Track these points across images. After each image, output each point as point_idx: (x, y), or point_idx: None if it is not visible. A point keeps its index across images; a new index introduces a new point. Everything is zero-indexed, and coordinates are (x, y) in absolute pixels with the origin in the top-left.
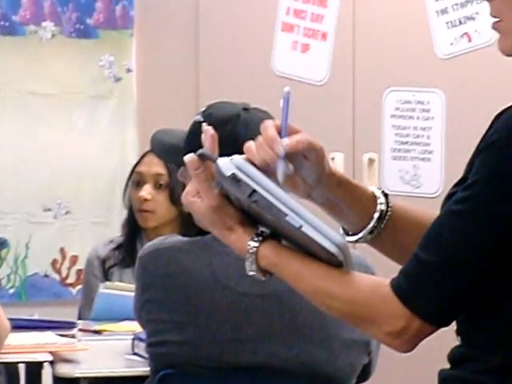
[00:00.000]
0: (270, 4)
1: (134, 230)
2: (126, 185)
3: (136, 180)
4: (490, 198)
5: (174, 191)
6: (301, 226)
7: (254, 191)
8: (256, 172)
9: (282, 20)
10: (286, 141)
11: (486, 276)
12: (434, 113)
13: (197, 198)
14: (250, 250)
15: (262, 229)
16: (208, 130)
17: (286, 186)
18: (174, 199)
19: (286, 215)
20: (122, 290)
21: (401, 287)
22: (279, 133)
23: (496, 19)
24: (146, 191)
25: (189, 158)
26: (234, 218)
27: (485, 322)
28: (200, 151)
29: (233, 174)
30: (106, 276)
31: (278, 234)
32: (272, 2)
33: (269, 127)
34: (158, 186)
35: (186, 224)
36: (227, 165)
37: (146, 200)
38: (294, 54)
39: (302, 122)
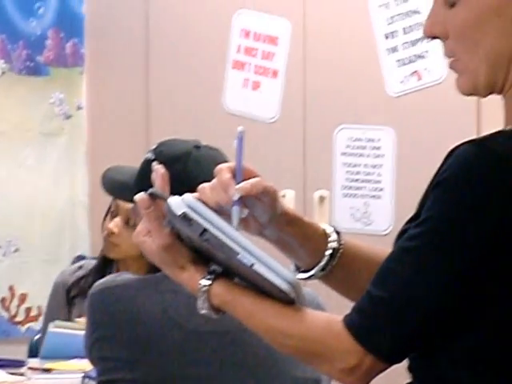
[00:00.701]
0: (220, 42)
1: (105, 258)
2: (107, 213)
3: (112, 210)
4: (442, 234)
5: None
6: (252, 265)
7: (205, 230)
8: (207, 211)
9: (233, 58)
10: (241, 185)
11: (439, 313)
12: (385, 150)
13: (148, 237)
14: (202, 289)
15: (213, 267)
16: (158, 169)
17: (239, 226)
18: None
19: (238, 254)
20: (71, 328)
21: (353, 324)
22: (234, 175)
23: (452, 59)
24: (115, 224)
25: (139, 197)
26: (185, 257)
27: (436, 359)
28: (150, 190)
29: (184, 212)
30: (70, 305)
31: (231, 272)
32: (223, 40)
33: (223, 170)
34: (127, 223)
35: (151, 265)
36: (178, 204)
37: (112, 233)
38: (245, 92)
39: (253, 159)
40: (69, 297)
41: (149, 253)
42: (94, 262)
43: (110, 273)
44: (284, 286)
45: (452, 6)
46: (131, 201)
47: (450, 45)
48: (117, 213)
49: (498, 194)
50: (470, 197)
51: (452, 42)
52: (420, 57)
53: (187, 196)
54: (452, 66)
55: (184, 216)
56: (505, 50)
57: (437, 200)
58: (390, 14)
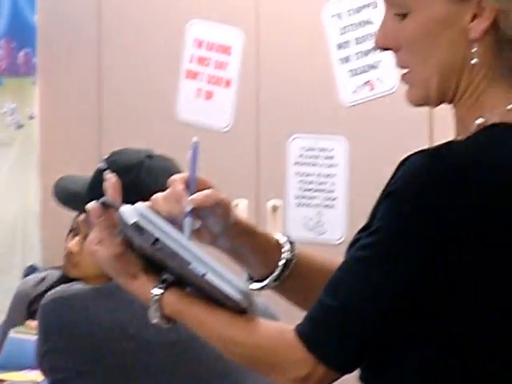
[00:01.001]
0: (173, 51)
1: (68, 277)
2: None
3: (73, 227)
4: (391, 245)
5: None
6: (204, 274)
7: (158, 239)
8: (159, 220)
9: (186, 67)
10: (194, 196)
11: (389, 323)
12: (338, 160)
13: (99, 247)
14: (154, 298)
15: (165, 276)
16: (110, 178)
17: (191, 236)
18: None
19: (190, 263)
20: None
21: (305, 333)
22: (187, 186)
23: (404, 70)
24: (74, 243)
25: (91, 205)
26: (137, 266)
27: (387, 369)
28: (102, 199)
29: (136, 221)
30: (30, 318)
31: (183, 281)
32: (176, 50)
33: (176, 181)
34: None
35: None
36: (130, 212)
37: (71, 252)
38: (198, 101)
39: (206, 168)
40: (30, 310)
41: (100, 262)
42: (57, 274)
43: None
44: (236, 295)
45: (403, 17)
46: (83, 211)
47: (402, 56)
48: (78, 231)
49: (447, 205)
50: (419, 208)
51: (403, 54)
52: (372, 67)
53: (139, 205)
54: (404, 79)
55: (136, 225)
56: (455, 60)
57: (387, 210)
58: (343, 24)
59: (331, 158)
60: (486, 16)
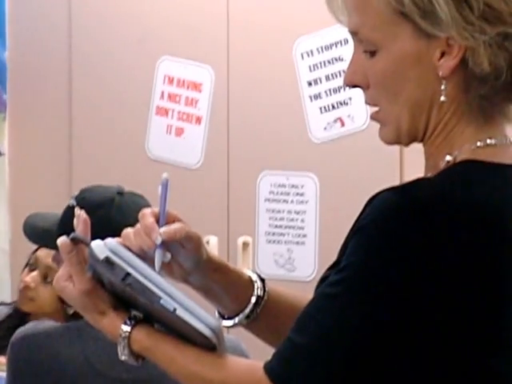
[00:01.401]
0: (144, 88)
1: (19, 310)
2: (25, 265)
3: (31, 263)
4: (361, 280)
5: None
6: (175, 310)
7: (128, 274)
8: (130, 255)
9: (157, 104)
10: (164, 229)
11: (355, 361)
12: (308, 196)
13: (69, 283)
14: (123, 335)
15: (134, 313)
16: (80, 215)
17: (162, 271)
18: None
19: (160, 298)
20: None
21: (274, 370)
22: (157, 220)
23: (373, 108)
24: (32, 278)
25: (61, 241)
26: (106, 302)
27: None
28: (73, 234)
29: (106, 256)
30: None
31: (151, 317)
32: (146, 86)
33: (146, 215)
34: (45, 279)
35: (67, 321)
36: (100, 248)
37: (28, 286)
38: (169, 138)
39: (176, 204)
40: None
41: (69, 298)
42: (5, 311)
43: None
44: (206, 331)
45: (372, 55)
46: (53, 248)
47: (371, 94)
48: (35, 266)
49: (415, 243)
50: (387, 245)
51: (373, 91)
52: (343, 104)
53: (110, 240)
54: (374, 117)
55: (106, 260)
56: (424, 98)
57: (356, 247)
58: (314, 61)
59: (302, 194)
60: (454, 54)
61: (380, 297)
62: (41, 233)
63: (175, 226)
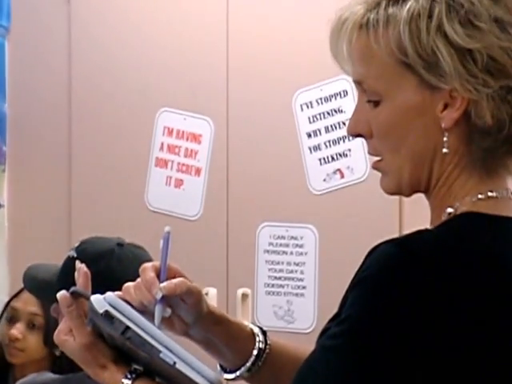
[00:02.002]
0: (144, 139)
1: (4, 364)
2: (0, 318)
3: (9, 315)
4: (359, 335)
5: (48, 333)
6: (175, 363)
7: (128, 328)
8: (129, 309)
9: (156, 155)
10: (164, 284)
11: None
12: (307, 248)
13: (69, 337)
14: None
15: (135, 366)
16: (81, 268)
17: (162, 325)
18: (48, 341)
19: (160, 352)
20: None
21: None
22: (158, 274)
23: (376, 158)
24: (18, 330)
25: (61, 295)
26: (107, 356)
27: None
28: (73, 289)
29: (106, 310)
30: None
31: (152, 371)
32: (146, 138)
33: (147, 269)
34: (30, 326)
35: (54, 364)
36: (100, 302)
37: (16, 338)
38: (168, 189)
39: (175, 256)
40: None
41: (70, 352)
42: None
43: (7, 375)
44: None
45: (376, 105)
46: (53, 300)
47: (374, 144)
48: (17, 318)
49: (414, 296)
50: (386, 298)
51: (376, 141)
52: (342, 155)
53: (109, 294)
54: (376, 166)
55: (106, 314)
56: (427, 149)
57: (356, 299)
58: (313, 112)
59: (301, 246)
60: (457, 106)
61: (376, 351)
62: (40, 284)
63: (176, 281)
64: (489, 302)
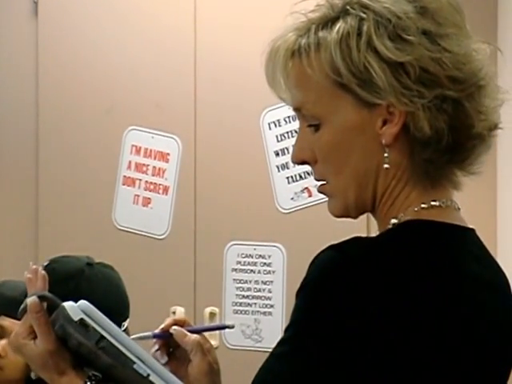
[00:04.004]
0: (111, 157)
1: None
2: None
3: None
4: (304, 338)
5: None
6: (148, 375)
7: (102, 338)
8: (104, 318)
9: (124, 174)
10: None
11: None
12: (275, 267)
13: (28, 340)
14: None
15: (93, 372)
16: (39, 271)
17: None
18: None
19: (134, 363)
20: None
21: None
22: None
23: (321, 182)
24: (1, 347)
25: (32, 300)
26: (67, 362)
27: None
28: (42, 293)
29: (81, 318)
30: None
31: (110, 378)
32: (113, 156)
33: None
34: None
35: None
36: (74, 309)
37: None
38: (136, 208)
39: (143, 275)
40: None
41: (28, 356)
42: None
43: None
44: None
45: (317, 129)
46: (19, 318)
47: (319, 168)
48: (2, 335)
49: (351, 296)
50: (325, 299)
51: (320, 166)
52: (310, 173)
53: (83, 302)
54: (321, 190)
55: (81, 322)
56: (369, 167)
57: (298, 306)
58: (281, 131)
59: (269, 265)
60: (395, 121)
61: (321, 352)
62: (8, 302)
63: (193, 336)
64: (423, 299)
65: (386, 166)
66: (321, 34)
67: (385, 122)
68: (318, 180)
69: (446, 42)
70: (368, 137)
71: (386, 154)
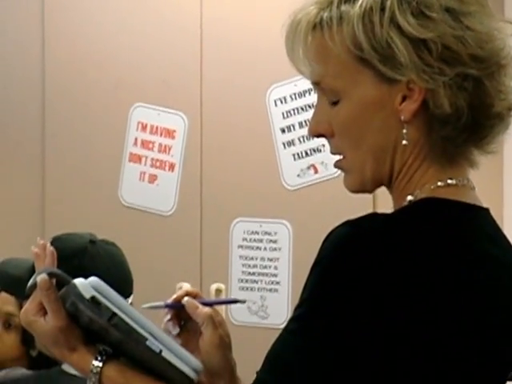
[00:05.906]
0: (117, 134)
1: None
2: None
3: None
4: (318, 314)
5: (25, 333)
6: (161, 351)
7: (114, 315)
8: (115, 295)
9: (130, 151)
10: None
11: None
12: (281, 243)
13: (38, 317)
14: (94, 370)
15: (103, 347)
16: (47, 247)
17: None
18: (26, 341)
19: (146, 339)
20: None
21: None
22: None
23: (338, 157)
24: None
25: (41, 278)
26: (77, 338)
27: None
28: (52, 270)
29: (93, 296)
30: None
31: (121, 352)
32: (120, 133)
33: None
34: (7, 326)
35: (30, 364)
36: (86, 286)
37: None
38: (142, 185)
39: (149, 252)
40: None
41: (39, 332)
42: None
43: None
44: (191, 374)
45: (335, 103)
46: (25, 297)
47: (336, 142)
48: (9, 322)
49: (366, 273)
50: (339, 275)
51: (337, 140)
52: (316, 150)
53: (93, 279)
54: (338, 165)
55: (93, 299)
56: (387, 142)
57: (311, 282)
58: (287, 108)
59: (275, 241)
60: (415, 97)
61: (336, 329)
62: (13, 280)
63: (206, 309)
64: (438, 278)
65: (404, 142)
66: (343, 7)
67: (404, 98)
68: (334, 154)
69: (468, 19)
70: (387, 112)
71: (404, 131)
